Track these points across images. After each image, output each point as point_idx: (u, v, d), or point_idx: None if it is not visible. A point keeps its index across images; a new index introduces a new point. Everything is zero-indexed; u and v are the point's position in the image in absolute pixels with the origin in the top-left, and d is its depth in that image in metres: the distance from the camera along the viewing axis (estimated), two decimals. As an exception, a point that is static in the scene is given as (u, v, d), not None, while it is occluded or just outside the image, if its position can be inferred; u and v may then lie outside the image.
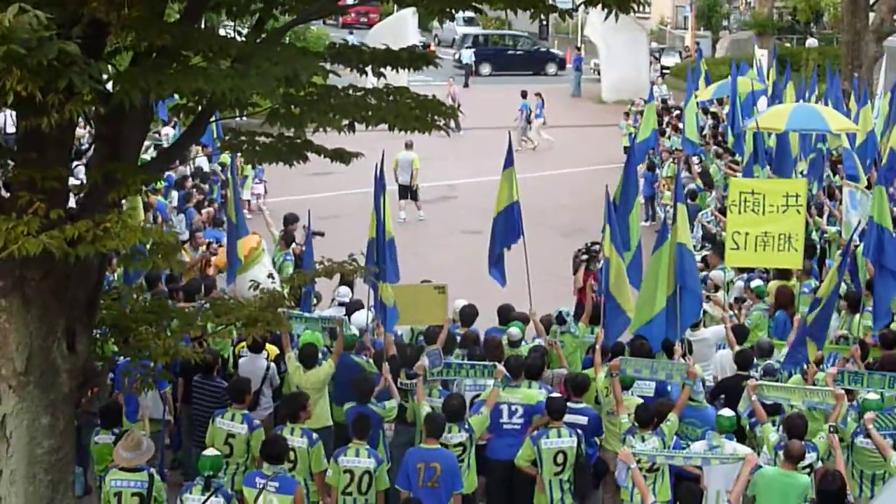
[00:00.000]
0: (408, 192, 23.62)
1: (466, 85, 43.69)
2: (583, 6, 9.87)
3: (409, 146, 21.68)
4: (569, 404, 11.27)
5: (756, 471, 9.96)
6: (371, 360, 12.65)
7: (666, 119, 29.14)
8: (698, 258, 16.34)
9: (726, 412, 11.11)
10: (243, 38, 9.63)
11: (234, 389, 11.52)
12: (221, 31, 11.65)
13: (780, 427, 10.85)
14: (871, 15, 32.98)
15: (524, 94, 34.53)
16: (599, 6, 9.36)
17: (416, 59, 10.60)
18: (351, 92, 9.72)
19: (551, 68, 50.69)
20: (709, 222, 19.33)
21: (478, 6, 11.10)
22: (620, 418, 11.14)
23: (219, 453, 10.27)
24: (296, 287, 13.05)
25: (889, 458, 10.25)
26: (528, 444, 10.96)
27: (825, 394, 11.42)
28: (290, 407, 11.23)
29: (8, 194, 8.63)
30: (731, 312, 14.67)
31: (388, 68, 10.39)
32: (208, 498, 9.65)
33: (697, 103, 26.27)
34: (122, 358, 10.72)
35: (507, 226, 14.00)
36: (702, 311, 14.46)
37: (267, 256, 15.61)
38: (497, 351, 12.49)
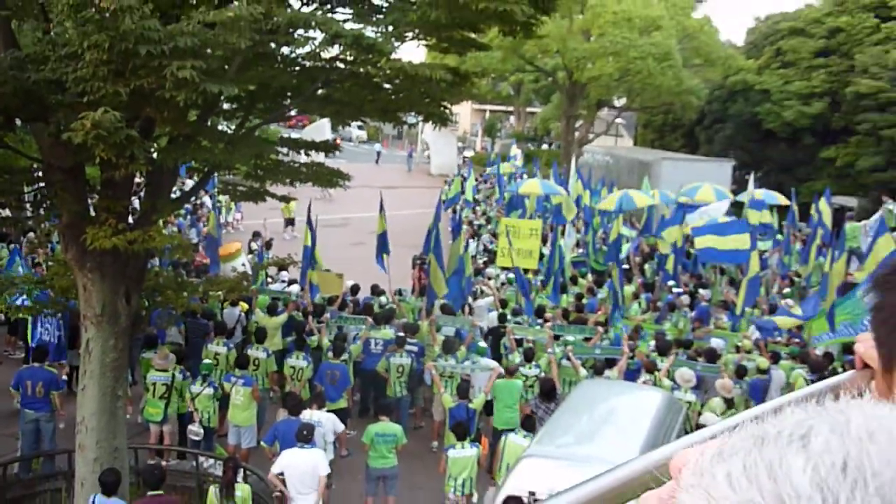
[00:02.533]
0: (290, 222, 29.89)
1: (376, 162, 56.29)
2: (421, 122, 14.65)
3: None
4: (407, 339, 15.52)
5: (497, 378, 13.98)
6: (300, 313, 16.81)
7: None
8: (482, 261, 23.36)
9: (482, 344, 16.02)
10: (231, 131, 12.03)
11: (221, 327, 15.44)
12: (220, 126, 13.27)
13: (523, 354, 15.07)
14: (577, 133, 45.67)
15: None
16: (430, 123, 13.13)
17: (328, 147, 13.80)
18: (292, 164, 12.99)
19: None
20: (490, 243, 27.05)
21: (364, 120, 16.00)
22: (434, 348, 15.39)
23: (210, 362, 14.28)
24: (256, 271, 17.37)
25: (580, 373, 14.58)
26: (384, 360, 15.24)
27: (539, 332, 15.97)
28: (258, 334, 15.13)
29: (94, 214, 10.34)
30: (496, 291, 19.70)
31: (313, 151, 14.11)
32: (203, 388, 13.45)
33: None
34: (156, 308, 13.28)
35: (382, 241, 18.68)
36: (478, 289, 19.80)
37: (243, 255, 19.52)
38: (369, 310, 17.08)
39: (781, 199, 29.77)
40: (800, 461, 0.47)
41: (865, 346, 1.69)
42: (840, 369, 15.32)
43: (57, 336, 15.41)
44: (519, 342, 15.90)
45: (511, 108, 63.75)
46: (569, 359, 15.09)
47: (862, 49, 39.46)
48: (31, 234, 20.44)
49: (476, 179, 39.93)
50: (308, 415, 12.28)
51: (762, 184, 33.04)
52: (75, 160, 10.08)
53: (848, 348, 17.05)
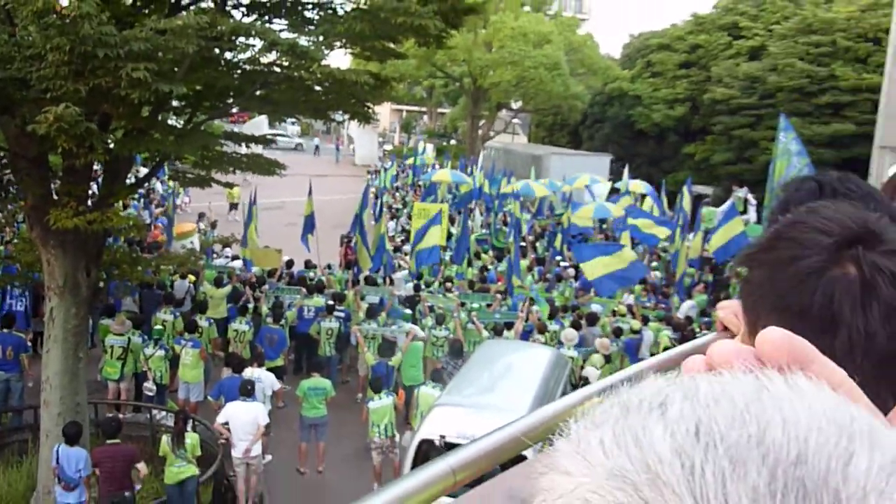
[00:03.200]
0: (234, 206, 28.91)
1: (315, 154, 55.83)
2: (348, 119, 14.93)
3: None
4: (336, 307, 15.47)
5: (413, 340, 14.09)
6: (242, 284, 16.60)
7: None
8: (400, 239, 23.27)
9: (407, 311, 16.09)
10: (180, 126, 11.87)
11: (170, 297, 15.19)
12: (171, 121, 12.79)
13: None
14: (480, 131, 46.21)
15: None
16: (355, 120, 13.81)
17: (264, 141, 14.39)
18: (234, 154, 12.94)
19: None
20: (406, 224, 26.19)
21: (297, 118, 16.06)
22: (359, 314, 15.38)
23: (161, 327, 14.13)
24: (204, 248, 17.50)
25: (482, 334, 14.65)
26: (315, 325, 15.22)
27: (447, 300, 16.23)
28: (201, 306, 15.10)
29: (57, 197, 10.22)
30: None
31: (253, 144, 14.02)
32: (155, 350, 13.34)
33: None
34: (113, 280, 13.26)
35: (309, 222, 18.43)
36: (397, 263, 19.81)
37: (196, 235, 19.35)
38: (302, 281, 16.92)
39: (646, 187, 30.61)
40: (659, 429, 0.46)
41: (725, 312, 1.76)
42: (697, 329, 15.87)
43: (24, 305, 15.00)
44: (431, 308, 15.99)
45: (424, 109, 63.75)
46: (473, 322, 15.23)
47: (717, 62, 40.43)
48: (-2, 215, 19.74)
49: (395, 170, 40.07)
50: (249, 372, 12.21)
51: (635, 175, 33.69)
52: (39, 150, 9.90)
53: (704, 312, 17.67)
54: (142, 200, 25.56)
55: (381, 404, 11.71)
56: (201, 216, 24.68)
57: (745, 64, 38.54)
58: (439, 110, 59.40)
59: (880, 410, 0.55)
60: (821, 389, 0.49)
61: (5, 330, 13.03)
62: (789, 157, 18.69)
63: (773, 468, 0.42)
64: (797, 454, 0.43)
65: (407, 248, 21.64)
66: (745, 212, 26.03)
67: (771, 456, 0.43)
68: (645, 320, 16.34)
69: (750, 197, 28.37)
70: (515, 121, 51.49)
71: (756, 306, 1.07)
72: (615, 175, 35.50)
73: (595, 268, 15.79)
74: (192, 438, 10.52)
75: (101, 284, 12.01)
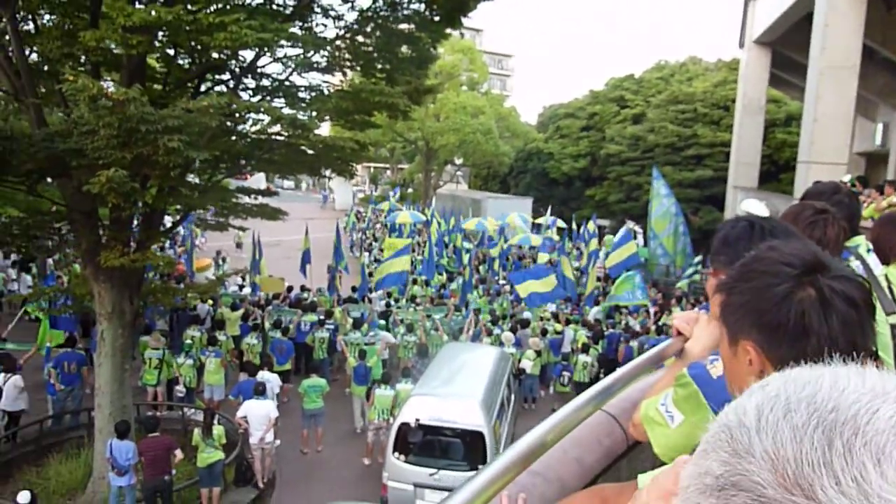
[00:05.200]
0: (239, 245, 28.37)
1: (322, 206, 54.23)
2: (330, 174, 14.17)
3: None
4: (326, 321, 15.26)
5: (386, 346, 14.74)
6: (252, 306, 16.25)
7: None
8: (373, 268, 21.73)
9: (382, 322, 16.00)
10: (202, 183, 11.71)
11: (196, 318, 15.10)
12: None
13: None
14: (432, 181, 44.83)
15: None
16: (336, 175, 13.60)
17: (265, 192, 13.72)
18: (246, 205, 12.62)
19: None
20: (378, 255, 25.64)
21: (292, 174, 15.97)
22: (346, 326, 15.19)
23: (190, 342, 13.80)
24: (220, 279, 17.10)
25: (443, 338, 14.60)
26: (311, 335, 14.98)
27: (414, 313, 15.99)
28: (220, 324, 14.73)
29: (105, 242, 9.99)
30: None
31: (256, 196, 13.38)
32: (185, 360, 13.11)
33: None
34: (149, 306, 13.53)
35: (306, 256, 18.30)
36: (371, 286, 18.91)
37: (213, 268, 19.22)
38: (299, 302, 16.64)
39: (560, 224, 30.91)
40: (754, 398, 0.53)
41: (679, 320, 1.76)
42: (604, 328, 15.95)
43: (73, 329, 14.35)
44: (401, 320, 15.86)
45: (387, 165, 63.46)
46: (436, 329, 15.15)
47: (609, 125, 41.23)
48: (52, 259, 19.11)
49: (365, 214, 40.22)
50: (261, 375, 11.98)
51: (551, 213, 34.02)
52: (92, 205, 9.69)
53: (610, 313, 17.75)
54: (168, 241, 24.84)
55: (385, 393, 11.52)
56: (218, 253, 24.12)
57: (630, 127, 39.41)
58: (399, 166, 59.24)
59: None
60: (872, 372, 0.54)
61: (69, 349, 12.59)
62: (660, 199, 19.01)
63: (812, 413, 0.49)
64: (834, 405, 0.50)
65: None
66: (635, 238, 26.44)
67: (813, 406, 0.50)
68: (566, 322, 16.44)
69: (637, 227, 28.92)
70: (459, 173, 51.73)
71: (739, 323, 1.10)
72: (535, 213, 35.85)
73: (526, 288, 15.94)
74: (217, 430, 10.24)
75: (140, 310, 11.77)
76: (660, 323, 16.58)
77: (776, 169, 33.13)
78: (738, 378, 1.11)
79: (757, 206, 3.05)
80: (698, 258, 18.54)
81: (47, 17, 9.87)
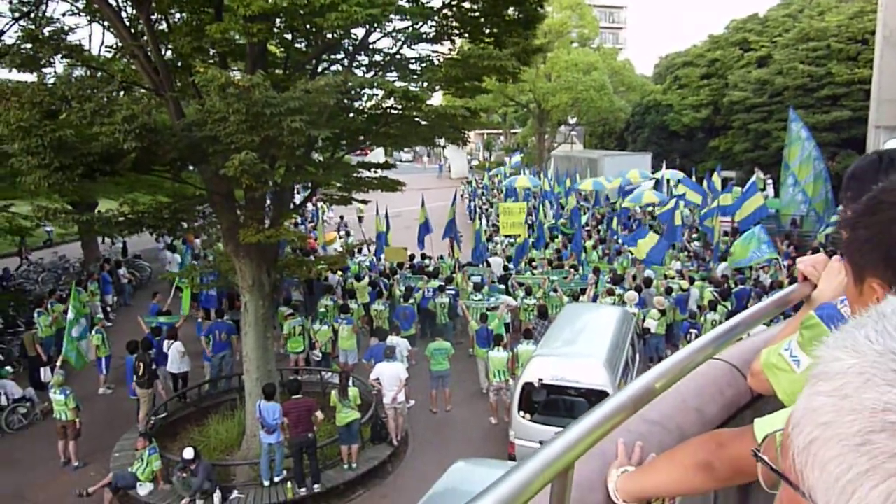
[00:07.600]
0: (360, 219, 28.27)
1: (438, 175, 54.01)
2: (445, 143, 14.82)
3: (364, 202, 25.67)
4: (446, 287, 15.40)
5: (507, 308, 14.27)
6: (378, 275, 16.76)
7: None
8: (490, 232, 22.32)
9: (501, 286, 15.82)
10: (325, 160, 11.96)
11: (329, 288, 15.48)
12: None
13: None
14: (546, 143, 43.43)
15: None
16: (450, 143, 14.28)
17: (384, 166, 13.67)
18: (367, 178, 12.88)
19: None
20: (496, 220, 25.32)
21: (408, 146, 16.10)
22: (467, 290, 15.35)
23: (324, 310, 14.33)
24: (347, 250, 17.02)
25: (563, 300, 14.51)
26: (432, 301, 15.13)
27: (533, 276, 15.96)
28: (351, 293, 15.06)
29: (242, 221, 10.31)
30: (503, 251, 18.97)
31: (378, 170, 13.38)
32: (321, 327, 13.57)
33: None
34: (285, 279, 13.70)
35: (424, 227, 18.52)
36: (490, 250, 19.38)
37: (339, 241, 19.95)
38: (422, 270, 16.96)
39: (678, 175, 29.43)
40: None
41: (805, 265, 1.67)
42: (732, 284, 15.18)
43: (215, 305, 15.54)
44: (520, 284, 15.82)
45: (500, 131, 62.93)
46: (555, 291, 15.02)
47: (732, 71, 38.63)
48: (199, 239, 20.60)
49: (487, 180, 39.97)
50: (390, 340, 12.36)
51: (671, 167, 32.54)
52: (228, 187, 10.23)
53: (739, 269, 16.88)
54: (298, 218, 26.09)
55: (499, 355, 11.64)
56: (342, 226, 24.75)
57: (756, 70, 36.68)
58: (512, 131, 58.65)
59: None
60: None
61: (219, 319, 13.57)
62: (801, 142, 17.72)
63: None
64: None
65: (497, 238, 21.46)
66: (764, 189, 24.85)
67: None
68: (691, 280, 15.80)
69: (767, 178, 27.14)
70: (573, 133, 50.42)
71: (864, 259, 1.03)
72: (655, 168, 34.41)
73: (640, 249, 15.85)
74: (353, 391, 10.75)
75: (277, 283, 12.15)
76: (794, 276, 15.52)
77: (926, 103, 29.75)
78: None
79: None
80: (840, 207, 17.11)
81: (178, 15, 10.44)
